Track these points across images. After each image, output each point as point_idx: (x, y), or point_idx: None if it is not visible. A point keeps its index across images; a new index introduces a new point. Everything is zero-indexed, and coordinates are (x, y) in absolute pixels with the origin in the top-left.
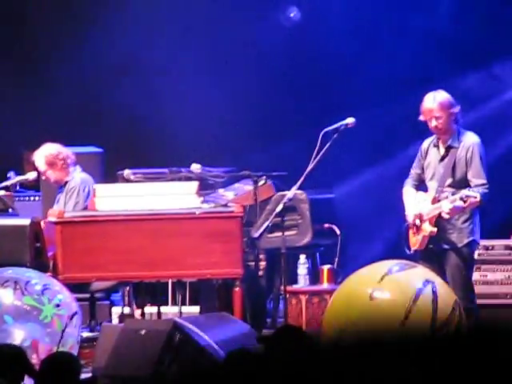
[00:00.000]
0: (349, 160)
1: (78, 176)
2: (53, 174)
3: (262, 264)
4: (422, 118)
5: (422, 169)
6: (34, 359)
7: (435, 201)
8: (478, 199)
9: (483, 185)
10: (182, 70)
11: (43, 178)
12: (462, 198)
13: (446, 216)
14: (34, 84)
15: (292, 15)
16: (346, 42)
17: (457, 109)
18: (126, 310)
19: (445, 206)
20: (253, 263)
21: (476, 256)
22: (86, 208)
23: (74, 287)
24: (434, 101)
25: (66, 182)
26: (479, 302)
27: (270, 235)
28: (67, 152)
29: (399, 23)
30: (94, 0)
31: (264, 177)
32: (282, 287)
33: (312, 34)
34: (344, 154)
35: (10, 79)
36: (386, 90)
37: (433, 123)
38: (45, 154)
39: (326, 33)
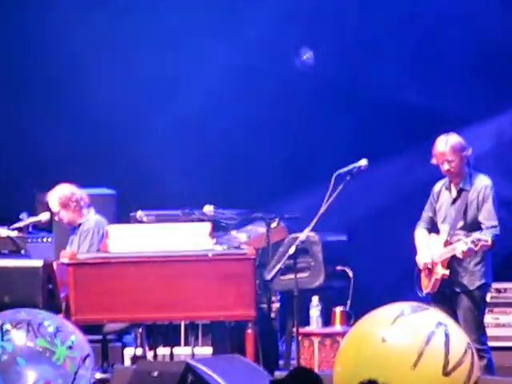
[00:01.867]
0: (362, 202)
1: (92, 218)
2: (66, 215)
3: (275, 306)
4: (434, 161)
5: (434, 211)
6: None
7: (447, 243)
8: (490, 242)
9: (494, 227)
10: (196, 112)
11: (56, 218)
12: (473, 242)
13: (460, 256)
14: (48, 125)
15: (306, 57)
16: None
17: (469, 152)
18: (139, 351)
19: (459, 247)
20: (265, 305)
21: (488, 298)
22: (98, 249)
23: (87, 329)
24: (446, 144)
25: (80, 224)
26: (491, 344)
27: (282, 277)
28: (81, 193)
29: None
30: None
31: (277, 219)
32: (295, 329)
33: (324, 76)
34: (357, 196)
35: (26, 120)
36: (402, 134)
37: (445, 167)
38: (58, 195)
39: (343, 74)
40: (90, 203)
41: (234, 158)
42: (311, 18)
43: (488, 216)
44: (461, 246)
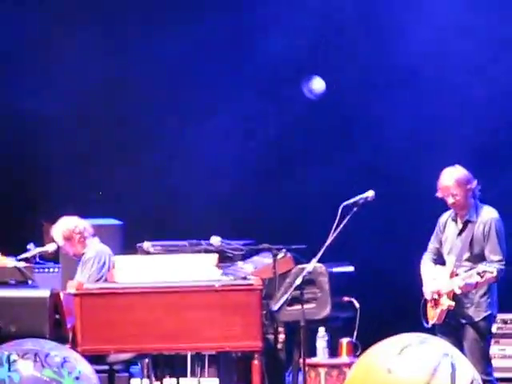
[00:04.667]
0: (368, 233)
1: (93, 248)
2: (71, 248)
3: (281, 337)
4: (439, 194)
5: (440, 243)
6: None
7: (453, 275)
8: (494, 275)
9: (499, 261)
10: (202, 145)
11: (62, 251)
12: (478, 273)
13: (458, 291)
14: (55, 155)
15: (315, 87)
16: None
17: (474, 184)
18: (145, 382)
19: (456, 283)
20: (272, 336)
21: (495, 330)
22: (105, 280)
23: (93, 359)
24: (451, 178)
25: (84, 253)
26: (497, 375)
27: (289, 308)
28: (84, 225)
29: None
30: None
31: (283, 250)
32: (301, 360)
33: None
34: (363, 227)
35: (34, 149)
36: (405, 163)
37: (450, 200)
38: (62, 229)
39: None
40: (94, 233)
41: (242, 188)
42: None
43: (493, 250)
44: (457, 282)
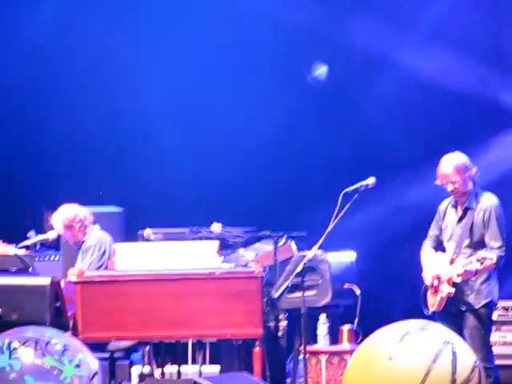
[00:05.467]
0: (369, 220)
1: (94, 235)
2: (71, 236)
3: (282, 324)
4: (438, 182)
5: (440, 230)
6: None
7: (453, 262)
8: (494, 261)
9: (499, 247)
10: (205, 130)
11: (63, 239)
12: (478, 260)
13: (457, 279)
14: (56, 143)
15: (318, 73)
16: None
17: (473, 171)
18: (146, 369)
19: (456, 271)
20: (273, 323)
21: (495, 317)
22: (106, 267)
23: (94, 346)
24: (450, 165)
25: (84, 241)
26: (498, 362)
27: (289, 295)
28: (84, 213)
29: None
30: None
31: (284, 237)
32: (302, 347)
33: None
34: (364, 214)
35: (34, 138)
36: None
37: (449, 188)
38: (62, 218)
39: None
40: (94, 220)
41: (243, 175)
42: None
43: (493, 237)
44: (457, 269)
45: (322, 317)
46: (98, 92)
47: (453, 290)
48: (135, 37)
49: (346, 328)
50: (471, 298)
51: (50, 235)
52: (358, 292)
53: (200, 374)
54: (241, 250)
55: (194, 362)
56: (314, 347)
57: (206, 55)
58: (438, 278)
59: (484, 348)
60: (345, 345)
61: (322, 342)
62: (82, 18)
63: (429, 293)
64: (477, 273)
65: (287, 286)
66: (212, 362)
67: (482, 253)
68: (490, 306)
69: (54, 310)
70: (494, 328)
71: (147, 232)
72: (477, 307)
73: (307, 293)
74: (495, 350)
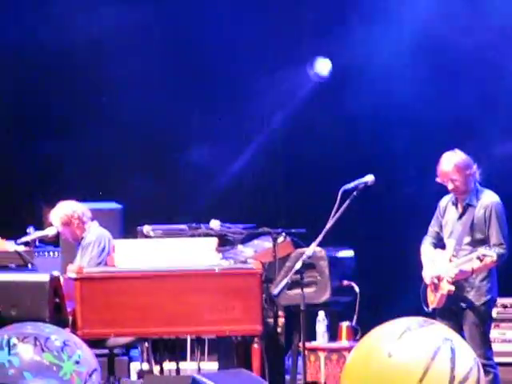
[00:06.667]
0: (368, 217)
1: (93, 231)
2: (70, 233)
3: (281, 321)
4: (438, 180)
5: (441, 226)
6: None
7: (451, 260)
8: (495, 259)
9: (500, 245)
10: (203, 127)
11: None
12: (478, 257)
13: (450, 280)
14: (56, 139)
15: (320, 70)
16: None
17: (473, 169)
18: (145, 365)
19: (451, 271)
20: (272, 320)
21: (495, 314)
22: (105, 263)
23: (93, 343)
24: (450, 163)
25: (83, 238)
26: (497, 360)
27: (288, 292)
28: (82, 209)
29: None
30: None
31: (283, 234)
32: (301, 344)
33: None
34: (364, 211)
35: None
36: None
37: (450, 186)
38: (60, 215)
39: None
40: (92, 217)
41: (240, 172)
42: None
43: (494, 234)
44: (452, 269)
45: (321, 314)
46: (97, 84)
47: (453, 288)
48: None
49: (344, 325)
50: (471, 296)
51: (50, 231)
52: (357, 289)
53: (199, 370)
54: (240, 247)
55: (192, 358)
56: (313, 344)
57: None
58: (438, 276)
59: (483, 345)
60: (344, 342)
61: (321, 338)
62: None
63: (429, 290)
64: (473, 272)
65: (286, 283)
66: (210, 358)
67: (481, 250)
68: (490, 304)
69: (53, 306)
70: (493, 325)
71: (146, 228)
72: (477, 304)
73: (306, 290)
74: (494, 347)
